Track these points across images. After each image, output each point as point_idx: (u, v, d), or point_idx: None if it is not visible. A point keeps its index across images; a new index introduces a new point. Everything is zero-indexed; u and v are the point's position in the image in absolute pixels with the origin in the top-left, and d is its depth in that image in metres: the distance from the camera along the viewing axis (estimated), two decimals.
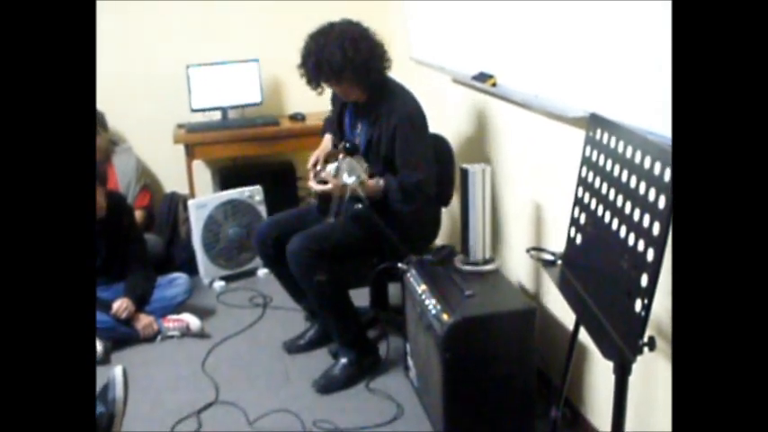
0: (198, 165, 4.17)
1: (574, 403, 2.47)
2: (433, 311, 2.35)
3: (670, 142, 1.60)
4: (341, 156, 2.62)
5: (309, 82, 2.71)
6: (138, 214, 3.80)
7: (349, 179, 2.53)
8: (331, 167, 2.63)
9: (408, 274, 2.64)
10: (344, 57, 2.58)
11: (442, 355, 2.28)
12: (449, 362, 2.28)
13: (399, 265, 2.69)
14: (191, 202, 3.70)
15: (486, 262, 2.59)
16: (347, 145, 2.68)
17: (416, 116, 2.75)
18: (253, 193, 3.81)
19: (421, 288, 2.51)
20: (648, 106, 1.82)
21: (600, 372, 2.31)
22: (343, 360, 2.83)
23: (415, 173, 2.67)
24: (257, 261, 3.84)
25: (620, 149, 1.67)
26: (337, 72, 2.62)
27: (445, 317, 2.28)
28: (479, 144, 3.13)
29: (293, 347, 3.08)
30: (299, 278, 2.71)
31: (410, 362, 2.75)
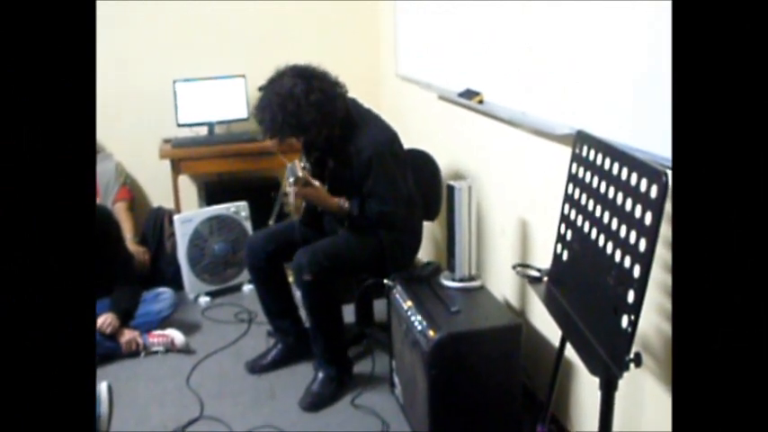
0: (183, 179, 4.17)
1: (560, 419, 2.48)
2: (419, 327, 2.36)
3: (657, 159, 1.63)
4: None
5: (279, 138, 2.65)
6: (120, 206, 3.90)
7: (289, 183, 2.63)
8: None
9: (394, 291, 2.65)
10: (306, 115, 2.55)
11: (428, 371, 2.28)
12: (435, 378, 2.28)
13: (385, 281, 2.70)
14: (176, 217, 3.69)
15: (471, 278, 2.61)
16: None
17: (387, 146, 2.72)
18: (238, 209, 3.81)
19: (407, 304, 2.51)
20: (634, 123, 1.85)
21: (586, 388, 2.32)
22: (322, 375, 2.82)
23: (381, 205, 2.68)
24: (243, 276, 3.83)
25: (607, 166, 1.69)
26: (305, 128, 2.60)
27: (431, 333, 2.28)
28: (465, 160, 3.15)
29: (257, 367, 3.05)
30: (302, 292, 2.71)
31: (395, 378, 2.75)
